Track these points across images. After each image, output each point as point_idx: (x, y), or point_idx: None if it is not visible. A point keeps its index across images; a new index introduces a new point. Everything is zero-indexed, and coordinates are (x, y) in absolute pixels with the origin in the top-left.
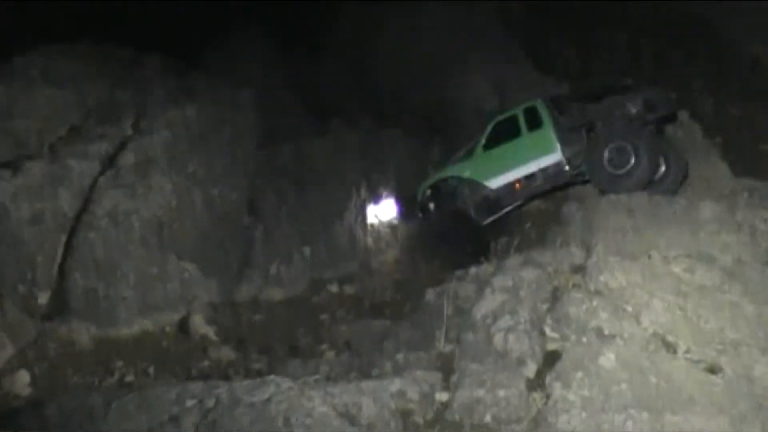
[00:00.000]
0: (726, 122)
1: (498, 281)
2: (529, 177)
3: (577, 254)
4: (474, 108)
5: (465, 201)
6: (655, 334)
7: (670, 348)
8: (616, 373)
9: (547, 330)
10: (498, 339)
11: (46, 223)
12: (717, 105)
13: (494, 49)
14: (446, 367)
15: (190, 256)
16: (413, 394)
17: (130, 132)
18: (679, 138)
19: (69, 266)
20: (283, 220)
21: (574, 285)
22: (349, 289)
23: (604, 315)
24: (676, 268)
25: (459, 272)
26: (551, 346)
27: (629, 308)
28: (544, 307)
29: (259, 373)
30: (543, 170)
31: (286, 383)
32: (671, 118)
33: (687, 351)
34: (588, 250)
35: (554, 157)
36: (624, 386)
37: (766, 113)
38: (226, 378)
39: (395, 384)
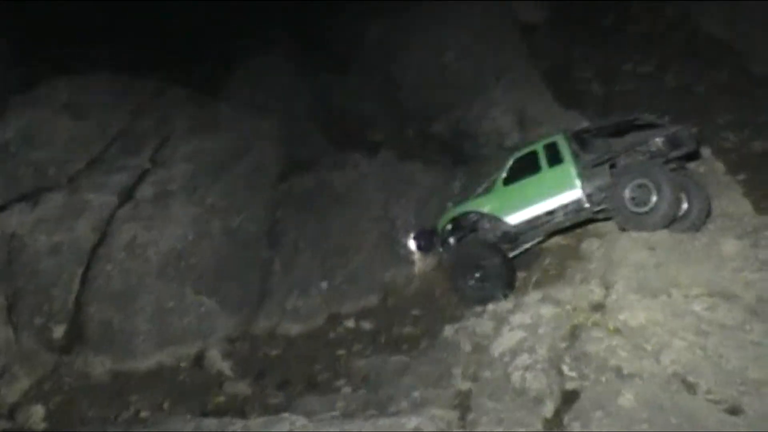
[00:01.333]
0: (749, 158)
1: (516, 318)
2: (550, 213)
3: (596, 291)
4: (496, 141)
5: (485, 236)
6: (675, 373)
7: (691, 388)
8: (636, 413)
9: (566, 369)
10: (516, 377)
11: (64, 255)
12: (740, 140)
13: (517, 81)
14: (463, 405)
15: (207, 289)
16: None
17: (149, 164)
18: (701, 174)
19: (86, 298)
20: (301, 253)
21: (593, 323)
22: (366, 324)
23: (623, 354)
24: (698, 307)
25: (477, 308)
26: (570, 386)
27: (649, 347)
28: (563, 345)
29: (276, 409)
30: (563, 207)
31: (300, 421)
32: (694, 154)
33: (708, 391)
34: (608, 288)
35: (575, 193)
36: (644, 426)
37: None
38: (242, 414)
39: (412, 422)
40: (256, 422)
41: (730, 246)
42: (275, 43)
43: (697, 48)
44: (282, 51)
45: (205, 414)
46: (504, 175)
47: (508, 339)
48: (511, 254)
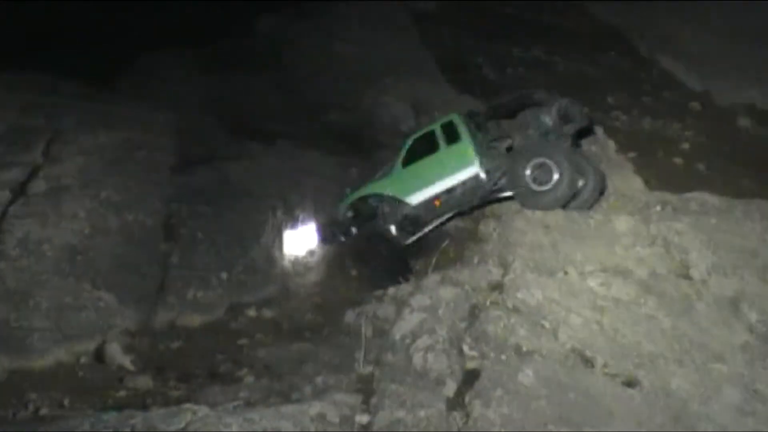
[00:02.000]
0: (639, 136)
1: (416, 301)
2: (449, 191)
3: (494, 272)
4: (391, 128)
5: (386, 220)
6: (573, 349)
7: (588, 363)
8: (536, 389)
9: (466, 348)
10: (417, 359)
11: None
12: (630, 119)
13: (410, 68)
14: (366, 389)
15: (105, 284)
16: (333, 417)
17: (41, 159)
18: (593, 153)
19: None
20: (200, 244)
21: (492, 302)
22: (268, 313)
23: (522, 332)
24: (593, 283)
25: (377, 293)
26: (470, 365)
27: (547, 324)
28: (463, 325)
29: (178, 401)
30: (462, 183)
31: (203, 410)
32: (588, 131)
33: (605, 365)
34: (505, 267)
35: (473, 169)
36: (543, 402)
37: (677, 127)
38: (144, 407)
39: (315, 407)
40: (157, 414)
41: (622, 223)
42: (169, 38)
43: (586, 34)
44: (175, 45)
45: (105, 409)
46: (403, 156)
47: (408, 321)
48: (411, 239)
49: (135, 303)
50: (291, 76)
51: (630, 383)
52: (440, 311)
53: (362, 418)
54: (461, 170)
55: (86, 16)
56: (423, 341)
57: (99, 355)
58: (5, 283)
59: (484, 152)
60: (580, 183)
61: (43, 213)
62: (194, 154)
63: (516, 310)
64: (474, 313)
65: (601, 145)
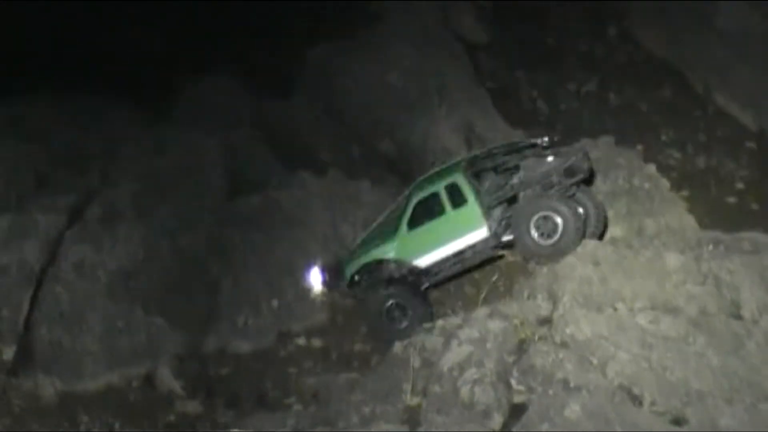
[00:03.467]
0: (692, 174)
1: (465, 333)
2: (458, 254)
3: (543, 306)
4: (443, 158)
5: (392, 274)
6: (620, 386)
7: (636, 400)
8: (582, 424)
9: (513, 382)
10: (464, 391)
11: (12, 277)
12: (684, 157)
13: (463, 100)
14: (413, 420)
15: (157, 308)
16: None
17: (97, 184)
18: (646, 190)
19: (35, 319)
20: (251, 271)
21: (540, 337)
22: (317, 342)
23: (569, 367)
24: (642, 320)
25: (426, 325)
26: (517, 399)
27: (595, 360)
28: (511, 359)
29: (226, 426)
30: (471, 247)
31: None
32: (589, 179)
33: (652, 403)
34: (554, 302)
35: (482, 233)
36: None
37: (732, 166)
38: None
39: None
40: None
41: (673, 260)
42: (220, 66)
43: (639, 67)
44: (226, 73)
45: None
46: (407, 218)
47: (456, 354)
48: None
49: (186, 328)
50: (342, 105)
51: (678, 421)
52: (488, 344)
53: None
54: (469, 233)
55: (138, 42)
56: (470, 374)
57: (150, 380)
58: (59, 306)
59: (491, 213)
60: (581, 210)
61: (98, 237)
62: (246, 181)
63: (564, 345)
64: (522, 347)
65: (654, 183)
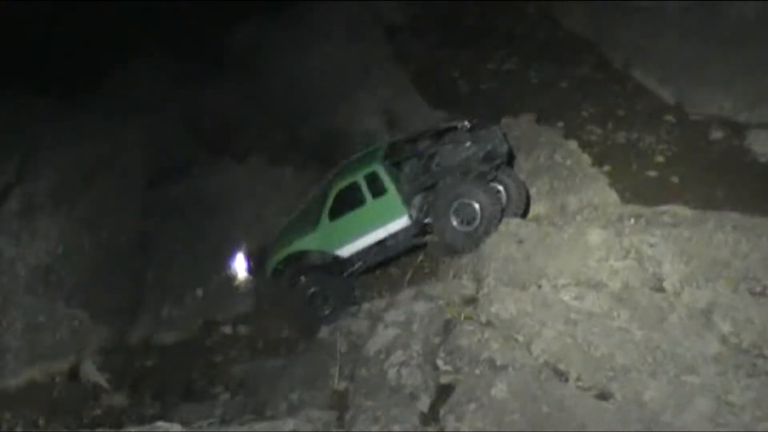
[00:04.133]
0: (613, 149)
1: (390, 316)
2: (380, 243)
3: (468, 286)
4: (366, 142)
5: (314, 262)
6: (546, 362)
7: (562, 376)
8: (509, 403)
9: (440, 363)
10: (392, 374)
11: None
12: (604, 132)
13: (383, 80)
14: (341, 405)
15: (79, 302)
16: None
17: (13, 178)
18: (567, 166)
19: None
20: (174, 261)
21: (466, 317)
22: (243, 330)
23: (495, 346)
24: (566, 296)
25: (352, 308)
26: (444, 379)
27: (520, 338)
28: (437, 340)
29: (153, 419)
30: (393, 235)
31: (176, 429)
32: (511, 158)
33: (578, 378)
34: (479, 282)
35: (402, 221)
36: (516, 416)
37: (652, 140)
38: (119, 425)
39: (289, 424)
40: None
41: (595, 235)
42: (141, 52)
43: (559, 45)
44: (148, 59)
45: (81, 427)
46: (328, 209)
47: (383, 337)
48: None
49: (109, 321)
50: (264, 90)
51: (603, 396)
52: (414, 326)
53: None
54: (390, 222)
55: (57, 30)
56: (397, 356)
57: (74, 374)
58: None
59: (410, 201)
60: (503, 198)
61: (16, 232)
62: (167, 168)
63: (489, 324)
64: (448, 328)
65: (576, 159)
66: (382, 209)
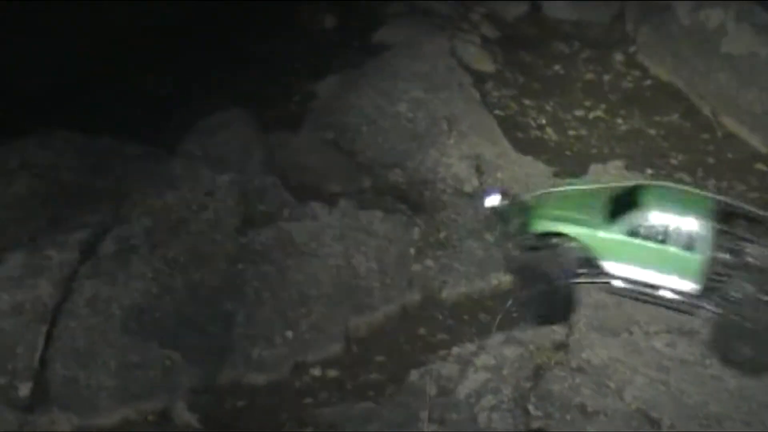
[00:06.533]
0: None
1: (480, 360)
2: (653, 286)
3: (559, 331)
4: (453, 188)
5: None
6: (638, 409)
7: (654, 424)
8: None
9: (531, 408)
10: (482, 418)
11: (27, 314)
12: (694, 181)
13: (471, 129)
14: None
15: (171, 343)
16: None
17: (110, 221)
18: None
19: (50, 356)
20: (264, 304)
21: (556, 362)
22: (332, 372)
23: (587, 392)
24: (658, 343)
25: (441, 352)
26: (535, 424)
27: (612, 384)
28: (528, 385)
29: None
30: (672, 290)
31: None
32: None
33: (671, 426)
34: (570, 327)
35: (688, 285)
36: None
37: (741, 188)
38: None
39: None
40: None
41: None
42: (229, 101)
43: (646, 93)
44: (236, 109)
45: None
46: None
47: (473, 381)
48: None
49: (200, 362)
50: (352, 137)
51: None
52: (505, 371)
53: None
54: (679, 278)
55: (147, 81)
56: (487, 400)
57: (166, 414)
58: (74, 342)
59: (710, 269)
60: None
61: (111, 273)
62: (258, 214)
63: (580, 369)
64: (539, 373)
65: None
66: (681, 263)
